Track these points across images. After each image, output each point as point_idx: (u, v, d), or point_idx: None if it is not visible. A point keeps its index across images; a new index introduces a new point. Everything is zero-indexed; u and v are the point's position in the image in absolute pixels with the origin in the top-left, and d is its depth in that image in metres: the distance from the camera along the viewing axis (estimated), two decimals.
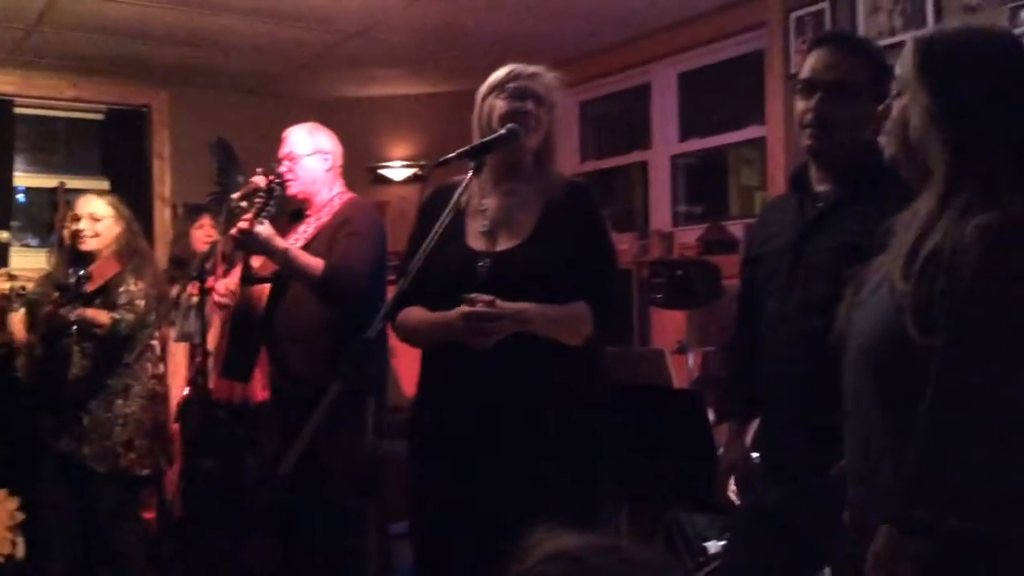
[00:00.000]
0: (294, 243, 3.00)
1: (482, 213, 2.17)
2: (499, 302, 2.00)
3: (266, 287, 3.11)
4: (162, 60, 5.13)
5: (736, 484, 2.08)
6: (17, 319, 3.90)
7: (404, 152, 5.99)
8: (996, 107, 1.42)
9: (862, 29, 3.87)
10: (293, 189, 3.11)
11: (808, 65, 1.97)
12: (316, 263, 2.89)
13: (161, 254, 4.99)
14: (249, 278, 3.11)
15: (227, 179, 5.60)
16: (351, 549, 2.68)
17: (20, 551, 3.48)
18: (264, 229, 2.85)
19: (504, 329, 2.00)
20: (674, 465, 2.62)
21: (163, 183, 5.64)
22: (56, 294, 3.31)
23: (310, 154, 3.11)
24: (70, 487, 3.45)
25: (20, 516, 3.48)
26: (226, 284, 3.29)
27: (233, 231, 2.87)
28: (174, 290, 4.06)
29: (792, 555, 1.92)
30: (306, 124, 3.23)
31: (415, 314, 2.14)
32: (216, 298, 3.26)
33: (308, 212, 3.15)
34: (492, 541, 1.97)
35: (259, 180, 3.19)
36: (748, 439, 2.08)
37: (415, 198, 5.76)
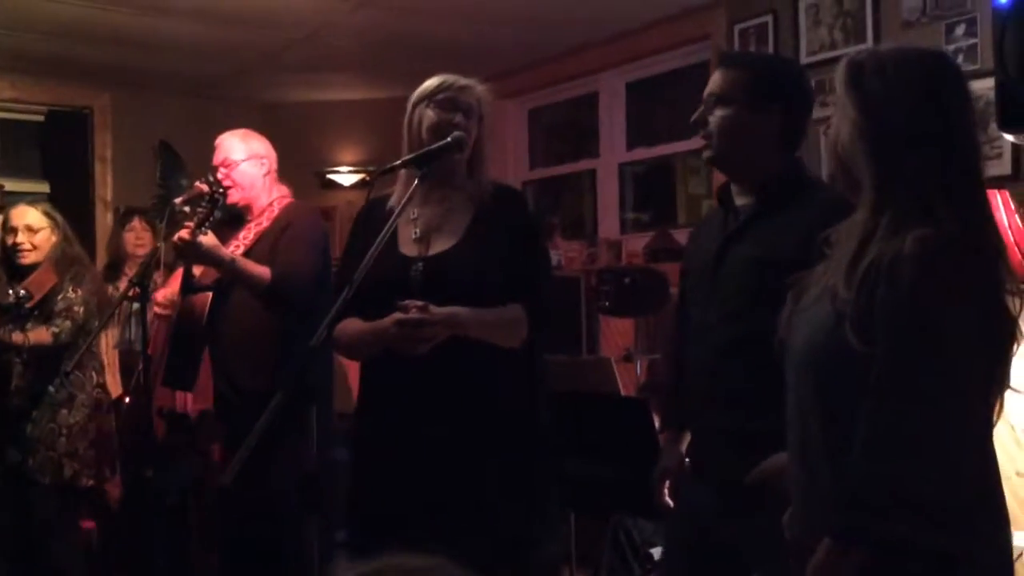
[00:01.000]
0: (234, 250, 2.97)
1: (414, 221, 2.19)
2: (432, 307, 2.02)
3: (207, 295, 3.07)
4: (104, 62, 5.05)
5: (669, 490, 2.12)
6: None
7: (352, 157, 5.96)
8: (921, 123, 1.46)
9: (803, 43, 3.95)
10: (233, 196, 3.07)
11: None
12: (263, 271, 2.86)
13: (102, 258, 4.91)
14: (190, 287, 3.06)
15: (170, 182, 5.55)
16: (294, 558, 2.65)
17: None
18: (207, 239, 2.82)
19: (438, 334, 2.02)
20: (620, 472, 2.65)
21: (104, 186, 5.55)
22: None
23: (245, 159, 3.09)
24: (9, 498, 3.37)
25: None
26: (165, 294, 3.25)
27: (174, 239, 2.83)
28: (109, 291, 4.00)
29: (720, 562, 1.96)
30: (238, 130, 3.21)
31: (350, 327, 2.15)
32: (156, 309, 3.21)
33: (248, 218, 3.12)
34: (430, 548, 1.99)
35: (203, 186, 3.15)
36: (684, 446, 2.12)
37: (361, 203, 5.74)
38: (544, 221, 5.08)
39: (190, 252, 2.84)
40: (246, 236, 3.05)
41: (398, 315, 2.01)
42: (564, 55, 5.03)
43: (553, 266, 4.58)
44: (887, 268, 1.38)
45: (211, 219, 2.86)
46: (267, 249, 2.94)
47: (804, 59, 3.90)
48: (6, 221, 3.40)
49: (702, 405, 2.01)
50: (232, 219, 3.19)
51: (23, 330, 3.30)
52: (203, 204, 2.88)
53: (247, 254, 2.95)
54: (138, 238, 4.31)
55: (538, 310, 2.17)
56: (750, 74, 1.98)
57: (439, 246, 2.16)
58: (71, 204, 4.77)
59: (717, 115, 1.97)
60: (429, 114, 2.20)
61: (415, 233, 2.18)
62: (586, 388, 2.88)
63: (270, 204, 3.10)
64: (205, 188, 3.14)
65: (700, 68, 4.48)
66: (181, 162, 5.45)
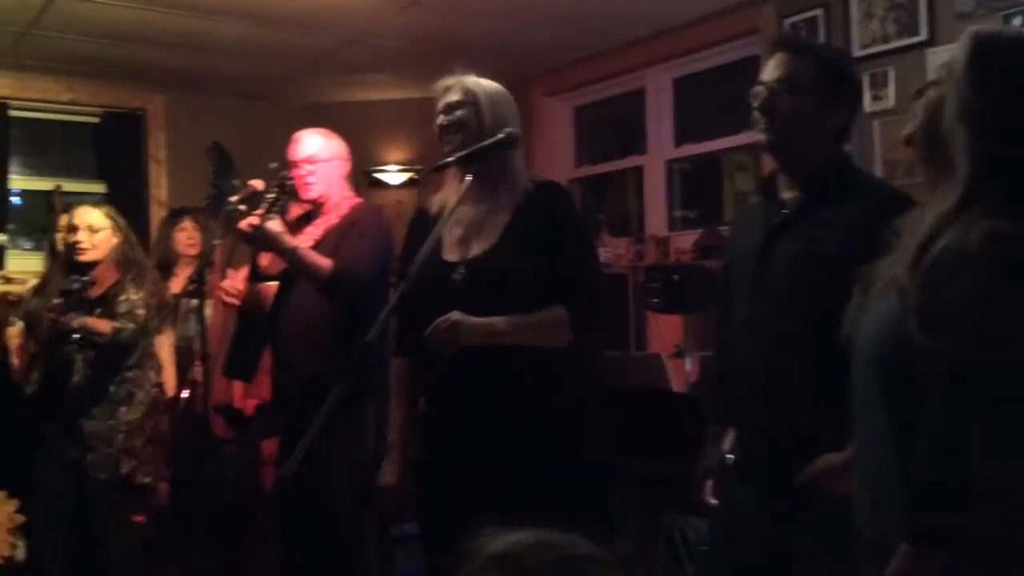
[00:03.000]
0: (302, 242, 3.02)
1: (456, 223, 2.20)
2: (467, 319, 2.05)
3: (273, 285, 3.13)
4: (158, 63, 5.13)
5: (712, 488, 2.11)
6: (15, 333, 3.89)
7: (399, 156, 6.01)
8: None
9: (855, 36, 3.91)
10: (312, 193, 3.14)
11: (762, 71, 2.02)
12: (324, 262, 2.90)
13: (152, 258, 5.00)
14: (257, 276, 3.12)
15: (222, 182, 5.63)
16: (351, 552, 2.69)
17: (20, 554, 3.48)
18: (274, 225, 2.86)
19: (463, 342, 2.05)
20: (673, 469, 2.64)
21: (159, 186, 5.63)
22: (58, 301, 3.29)
23: (329, 160, 3.15)
24: (69, 493, 3.44)
25: (20, 519, 3.48)
26: (232, 283, 3.29)
27: (243, 225, 2.87)
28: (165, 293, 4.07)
29: (764, 562, 1.94)
30: (318, 130, 3.27)
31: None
32: (223, 297, 3.26)
33: (318, 215, 3.17)
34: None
35: (257, 183, 3.21)
36: (727, 443, 2.11)
37: (411, 201, 5.78)
38: (591, 218, 5.07)
39: (257, 237, 2.87)
40: (315, 231, 3.10)
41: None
42: (610, 52, 5.02)
43: (601, 263, 4.62)
44: (954, 259, 1.34)
45: (278, 204, 2.90)
46: (333, 244, 2.99)
47: (856, 53, 3.86)
48: (69, 219, 3.47)
49: (747, 402, 1.99)
50: (303, 217, 3.24)
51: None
52: (271, 191, 2.92)
53: (314, 248, 2.99)
54: (190, 237, 4.36)
55: (584, 308, 2.16)
56: (819, 65, 1.95)
57: (479, 248, 2.17)
58: (127, 204, 4.85)
59: (787, 102, 1.93)
60: (438, 119, 2.27)
61: (458, 237, 2.20)
62: (637, 384, 2.87)
63: (339, 203, 3.15)
64: (259, 185, 3.20)
65: (748, 63, 4.44)
66: (232, 162, 5.53)
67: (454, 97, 2.25)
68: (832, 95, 1.94)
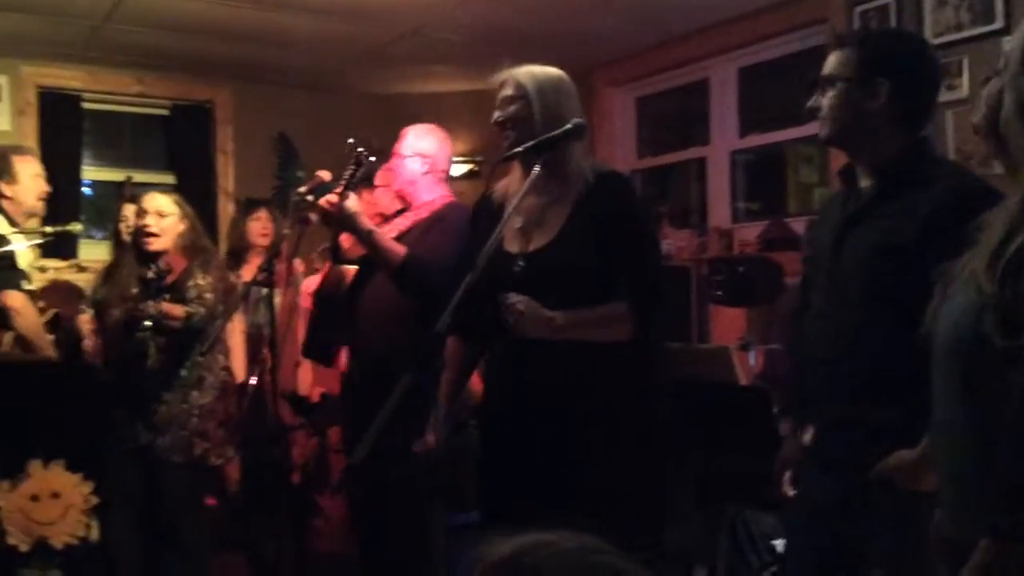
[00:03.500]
0: (387, 232, 3.05)
1: (520, 214, 2.20)
2: (534, 310, 2.07)
3: (352, 269, 3.17)
4: (226, 56, 5.22)
5: (790, 481, 2.10)
6: (85, 320, 4.00)
7: (461, 148, 6.02)
8: None
9: (928, 24, 3.82)
10: (394, 185, 3.22)
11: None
12: (398, 248, 2.92)
13: (225, 247, 5.09)
14: (338, 258, 3.16)
15: (287, 173, 5.72)
16: (419, 539, 2.72)
17: (94, 534, 3.57)
18: (351, 204, 2.87)
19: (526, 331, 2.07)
20: (739, 463, 2.62)
21: (226, 177, 5.73)
22: (134, 290, 3.37)
23: (410, 156, 3.18)
24: (140, 477, 3.52)
25: (94, 500, 3.56)
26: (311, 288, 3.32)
27: (323, 202, 2.90)
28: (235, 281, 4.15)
29: (842, 556, 1.92)
30: (422, 125, 3.29)
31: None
32: (304, 304, 3.28)
33: (407, 210, 3.21)
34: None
35: (324, 174, 3.24)
36: (807, 436, 2.09)
37: (472, 193, 5.80)
38: (652, 210, 5.05)
39: (335, 216, 2.89)
40: (402, 222, 3.14)
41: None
42: (673, 41, 4.98)
43: (663, 255, 4.59)
44: None
45: (354, 182, 2.92)
46: (416, 237, 3.01)
47: (929, 41, 3.77)
48: (139, 204, 3.54)
49: (822, 395, 1.97)
50: (399, 211, 3.28)
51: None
52: (349, 168, 2.94)
53: (398, 238, 3.02)
54: (263, 228, 4.44)
55: (646, 302, 2.16)
56: (858, 51, 1.93)
57: (539, 241, 2.18)
58: (195, 195, 4.91)
59: (828, 96, 1.94)
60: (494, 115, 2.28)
61: (517, 226, 2.20)
62: (704, 377, 2.86)
63: (431, 200, 3.16)
64: (327, 177, 3.24)
65: (817, 52, 4.36)
66: (297, 154, 5.62)
67: (507, 92, 2.26)
68: (870, 76, 1.90)
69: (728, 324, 4.38)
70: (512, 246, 2.18)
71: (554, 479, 2.09)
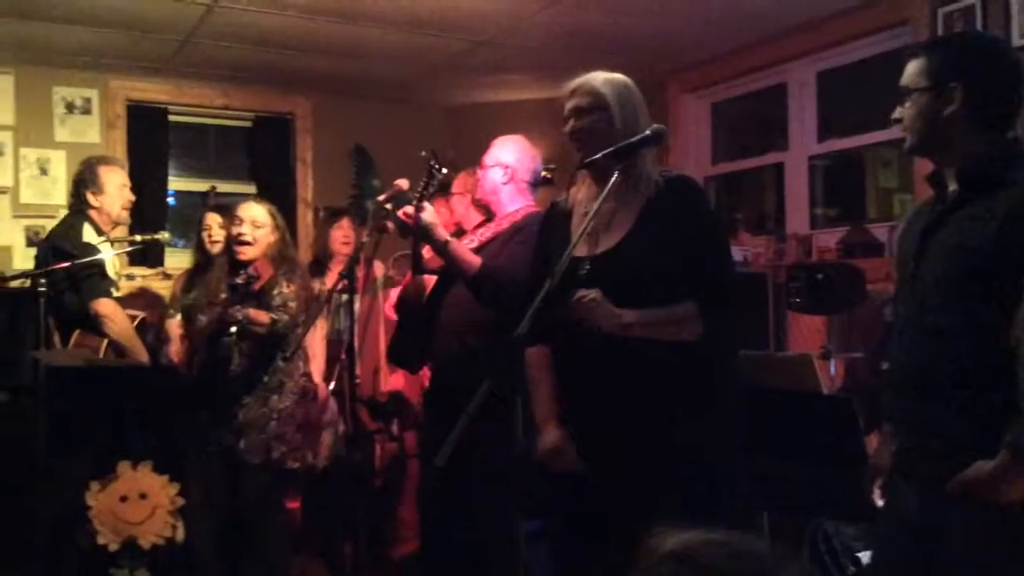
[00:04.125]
0: (470, 242, 3.09)
1: (584, 219, 2.19)
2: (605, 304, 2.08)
3: (432, 279, 3.21)
4: (307, 69, 5.33)
5: (880, 489, 2.07)
6: (175, 324, 4.12)
7: None
8: None
9: (1015, 26, 3.72)
10: (478, 194, 3.26)
11: None
12: (473, 259, 2.95)
13: (304, 255, 5.20)
14: (419, 268, 3.21)
15: (363, 183, 5.82)
16: (497, 543, 2.73)
17: (180, 535, 3.66)
18: (428, 216, 2.91)
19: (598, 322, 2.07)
20: (822, 472, 2.58)
21: (305, 187, 5.86)
22: (223, 295, 3.46)
23: (492, 166, 3.21)
24: (222, 478, 3.60)
25: (180, 501, 3.66)
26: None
27: (401, 214, 2.95)
28: (315, 286, 4.23)
29: (926, 566, 1.88)
30: (510, 136, 3.31)
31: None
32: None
33: (491, 220, 3.24)
34: (616, 537, 2.04)
35: (402, 183, 3.29)
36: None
37: (545, 200, 5.81)
38: (728, 216, 5.00)
39: (412, 227, 2.93)
40: (483, 233, 3.17)
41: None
42: (750, 46, 4.93)
43: (739, 262, 4.54)
44: None
45: (429, 193, 2.96)
46: (498, 248, 3.04)
47: (1016, 43, 3.67)
48: (234, 214, 3.63)
49: (904, 404, 1.95)
50: (483, 221, 3.33)
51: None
52: (423, 179, 2.98)
53: (479, 249, 3.05)
54: (345, 236, 4.53)
55: (714, 302, 2.15)
56: (930, 58, 1.92)
57: (606, 244, 2.18)
58: (275, 204, 5.05)
59: (907, 106, 1.94)
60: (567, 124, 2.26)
61: (588, 232, 2.18)
62: (784, 385, 2.82)
63: (514, 211, 3.18)
64: (404, 186, 3.29)
65: (898, 55, 4.28)
66: (373, 164, 5.71)
67: (583, 101, 2.24)
68: (944, 81, 1.88)
69: (806, 332, 4.31)
70: (579, 250, 2.18)
71: (627, 483, 2.10)
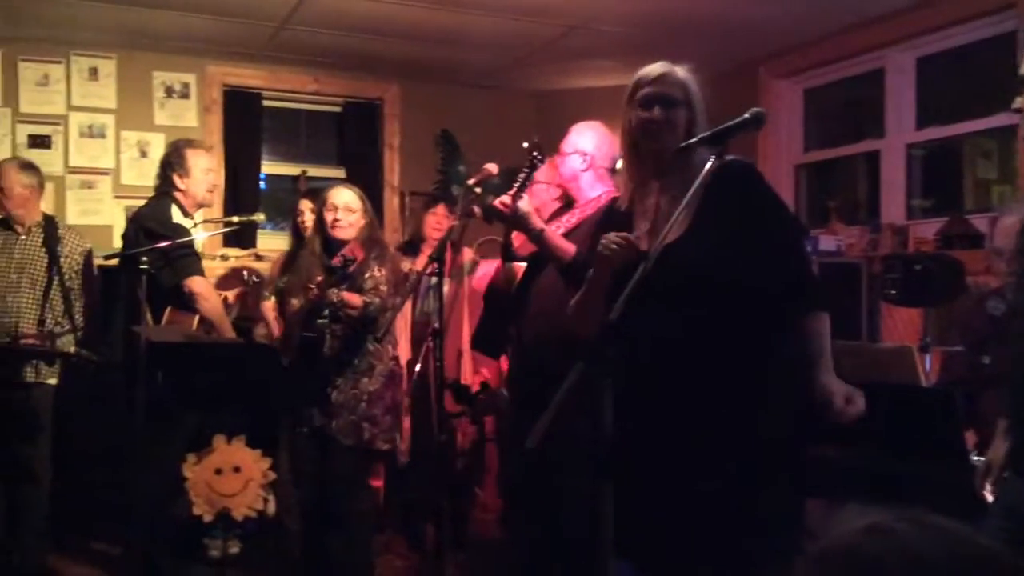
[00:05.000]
0: (556, 229, 3.09)
1: (643, 214, 2.17)
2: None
3: (522, 266, 3.23)
4: (396, 55, 5.39)
5: (991, 485, 2.01)
6: (270, 307, 4.22)
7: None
8: None
9: None
10: (556, 181, 3.25)
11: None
12: (568, 247, 2.96)
13: (389, 239, 5.27)
14: (509, 255, 3.23)
15: (449, 168, 5.86)
16: (583, 527, 2.73)
17: (271, 508, 3.77)
18: (523, 205, 2.93)
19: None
20: (921, 467, 2.51)
21: (392, 172, 5.93)
22: (319, 277, 3.53)
23: (571, 153, 3.22)
24: (313, 457, 3.68)
25: (272, 476, 3.75)
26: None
27: (497, 203, 2.97)
28: (406, 265, 4.29)
29: None
30: (586, 123, 3.32)
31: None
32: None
33: (575, 206, 3.25)
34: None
35: (491, 167, 3.31)
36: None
37: (625, 188, 5.77)
38: (821, 205, 4.90)
39: (508, 216, 2.94)
40: (569, 219, 3.18)
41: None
42: (846, 31, 4.81)
43: (832, 251, 4.44)
44: None
45: (527, 184, 2.98)
46: (585, 233, 3.04)
47: None
48: (326, 200, 3.70)
49: (1017, 394, 1.91)
50: (564, 206, 3.33)
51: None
52: (522, 171, 3.00)
53: (566, 235, 3.06)
54: (439, 222, 4.59)
55: (796, 287, 2.08)
56: None
57: (669, 237, 2.10)
58: (362, 188, 5.13)
59: None
60: (632, 114, 2.17)
61: (646, 227, 2.17)
62: (882, 377, 2.75)
63: (596, 197, 3.18)
64: (494, 170, 3.31)
65: (1004, 40, 4.12)
66: (459, 149, 5.74)
67: (674, 92, 2.17)
68: None
69: (900, 324, 4.20)
70: (642, 245, 2.14)
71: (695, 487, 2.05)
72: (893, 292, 3.67)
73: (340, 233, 3.62)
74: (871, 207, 5.02)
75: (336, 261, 3.53)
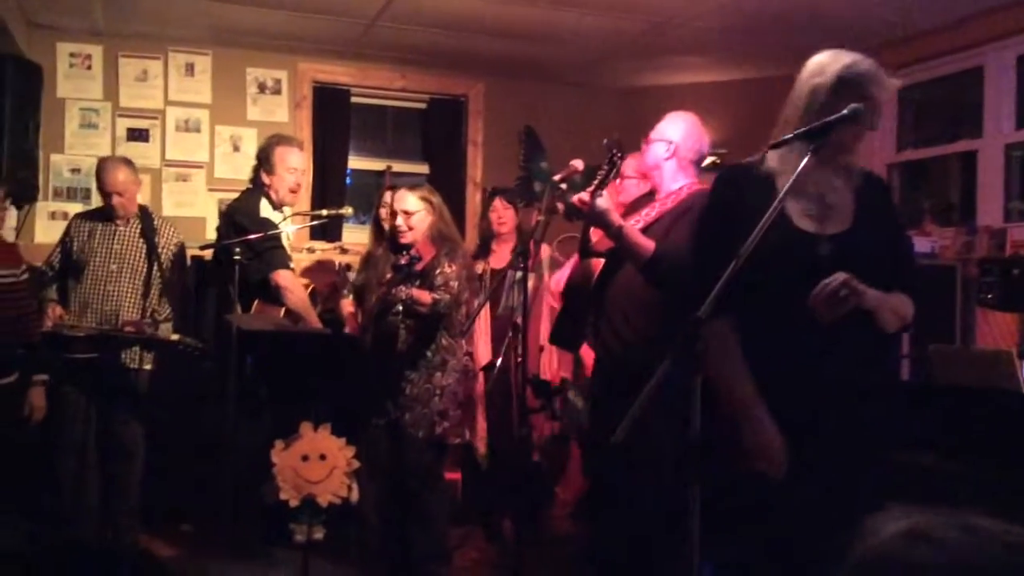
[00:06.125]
0: (635, 223, 3.08)
1: (805, 195, 2.13)
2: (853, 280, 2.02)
3: (600, 261, 3.23)
4: (482, 52, 5.42)
5: None
6: (347, 304, 4.29)
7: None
8: None
9: None
10: (641, 168, 3.25)
11: None
12: (647, 244, 2.94)
13: (472, 235, 5.31)
14: (586, 251, 3.23)
15: (532, 165, 5.87)
16: (670, 521, 2.71)
17: (354, 496, 3.82)
18: (602, 202, 2.92)
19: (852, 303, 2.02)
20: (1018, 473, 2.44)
21: (475, 167, 5.97)
22: (388, 275, 3.60)
23: (656, 141, 3.20)
24: (388, 449, 3.74)
25: (356, 464, 3.81)
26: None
27: (576, 200, 2.98)
28: (479, 267, 4.32)
29: None
30: (680, 112, 3.29)
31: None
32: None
33: (655, 197, 3.23)
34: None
35: (577, 163, 3.31)
36: None
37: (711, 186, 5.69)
38: (914, 206, 4.76)
39: (587, 212, 2.95)
40: (648, 212, 3.16)
41: (841, 276, 2.02)
42: (944, 27, 4.67)
43: (926, 253, 4.32)
44: None
45: (607, 181, 2.98)
46: (665, 228, 3.02)
47: None
48: (389, 204, 3.77)
49: None
50: (643, 197, 3.32)
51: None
52: (602, 168, 3.00)
53: (646, 230, 3.05)
54: (500, 217, 4.60)
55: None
56: None
57: (836, 226, 2.15)
58: (446, 184, 5.20)
59: None
60: (840, 95, 2.12)
61: (809, 209, 2.14)
62: (979, 382, 2.67)
63: (678, 188, 3.15)
64: (580, 166, 3.30)
65: None
66: (542, 146, 5.75)
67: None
68: None
69: (995, 328, 4.07)
70: (805, 226, 2.13)
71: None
72: (990, 296, 3.57)
73: (403, 238, 3.69)
74: (964, 208, 4.87)
75: (403, 260, 3.59)
